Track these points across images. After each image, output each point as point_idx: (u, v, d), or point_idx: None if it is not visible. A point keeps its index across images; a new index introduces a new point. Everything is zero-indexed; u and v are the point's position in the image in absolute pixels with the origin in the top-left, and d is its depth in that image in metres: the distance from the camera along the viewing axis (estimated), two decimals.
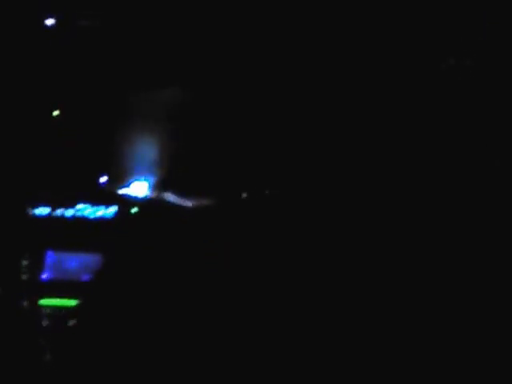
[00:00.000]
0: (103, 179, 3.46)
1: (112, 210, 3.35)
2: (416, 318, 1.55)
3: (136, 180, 3.52)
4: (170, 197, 3.43)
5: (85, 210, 3.33)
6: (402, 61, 2.82)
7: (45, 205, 3.30)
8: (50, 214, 3.29)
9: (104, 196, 3.43)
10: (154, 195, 3.51)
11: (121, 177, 3.48)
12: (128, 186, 3.51)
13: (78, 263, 3.18)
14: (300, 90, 3.13)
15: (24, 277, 3.15)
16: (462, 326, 1.56)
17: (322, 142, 3.06)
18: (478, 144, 2.37)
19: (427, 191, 2.20)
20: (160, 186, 3.50)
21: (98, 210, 3.34)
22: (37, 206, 3.29)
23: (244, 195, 3.27)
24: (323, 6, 3.00)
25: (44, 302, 3.12)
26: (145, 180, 3.53)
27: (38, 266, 3.17)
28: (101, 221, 3.33)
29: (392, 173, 2.58)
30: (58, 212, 3.31)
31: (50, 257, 3.20)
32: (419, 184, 2.32)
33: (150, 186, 3.53)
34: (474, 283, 1.65)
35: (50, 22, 2.92)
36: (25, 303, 3.08)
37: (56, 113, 3.14)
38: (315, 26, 3.01)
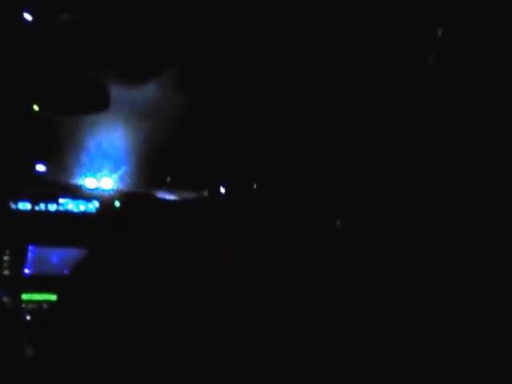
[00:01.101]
0: (41, 168, 3.43)
1: (94, 204, 3.34)
2: (416, 318, 1.55)
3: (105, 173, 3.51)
4: (153, 190, 3.42)
5: (66, 204, 3.31)
6: (400, 60, 2.82)
7: (26, 200, 3.28)
8: (31, 209, 3.27)
9: (86, 191, 3.42)
10: (136, 189, 3.50)
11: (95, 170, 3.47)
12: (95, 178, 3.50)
13: (60, 258, 3.17)
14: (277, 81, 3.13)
15: (6, 272, 3.13)
16: (462, 327, 1.56)
17: (307, 135, 3.06)
18: (478, 144, 2.36)
19: (426, 191, 2.20)
20: (139, 179, 3.49)
21: (79, 205, 3.32)
22: (18, 201, 3.27)
23: (232, 189, 3.27)
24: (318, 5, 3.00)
25: (26, 296, 3.11)
26: (114, 173, 3.52)
27: (20, 260, 3.15)
28: (83, 215, 3.32)
29: (390, 172, 2.57)
30: (40, 207, 3.29)
31: (32, 251, 3.18)
32: (418, 184, 2.32)
33: (120, 180, 3.51)
34: (475, 284, 1.65)
35: (28, 16, 2.88)
36: (7, 298, 3.06)
37: (36, 108, 3.12)
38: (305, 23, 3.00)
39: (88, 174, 3.48)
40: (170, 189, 3.38)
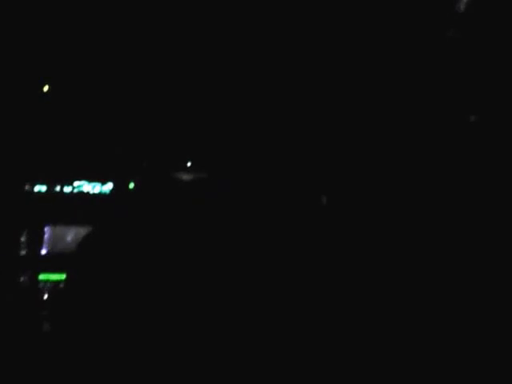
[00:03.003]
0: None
1: (109, 186, 3.38)
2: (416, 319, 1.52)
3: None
4: (168, 172, 3.43)
5: (82, 186, 3.36)
6: (418, 35, 2.78)
7: (42, 182, 3.33)
8: (47, 191, 3.32)
9: (101, 172, 3.45)
10: (151, 171, 3.51)
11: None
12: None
13: (75, 238, 3.22)
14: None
15: (23, 252, 3.19)
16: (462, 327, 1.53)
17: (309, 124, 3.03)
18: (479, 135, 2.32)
19: (426, 186, 2.15)
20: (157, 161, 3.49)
21: (94, 186, 3.37)
22: (35, 183, 3.32)
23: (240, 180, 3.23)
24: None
25: (43, 276, 3.18)
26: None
27: (36, 241, 3.21)
28: (98, 196, 3.36)
29: (391, 162, 2.53)
30: (56, 188, 3.34)
31: (49, 232, 3.24)
32: (418, 179, 2.26)
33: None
34: (475, 283, 1.62)
35: None
36: (24, 277, 3.13)
37: (46, 88, 3.13)
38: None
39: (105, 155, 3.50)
40: (190, 172, 3.37)
